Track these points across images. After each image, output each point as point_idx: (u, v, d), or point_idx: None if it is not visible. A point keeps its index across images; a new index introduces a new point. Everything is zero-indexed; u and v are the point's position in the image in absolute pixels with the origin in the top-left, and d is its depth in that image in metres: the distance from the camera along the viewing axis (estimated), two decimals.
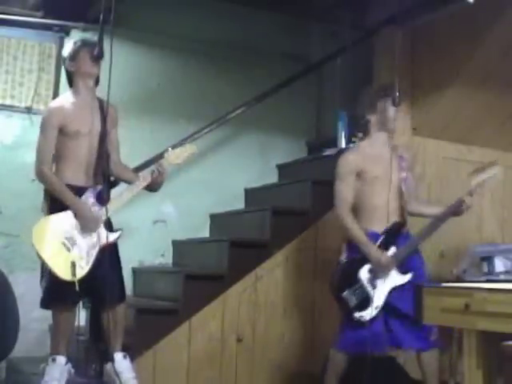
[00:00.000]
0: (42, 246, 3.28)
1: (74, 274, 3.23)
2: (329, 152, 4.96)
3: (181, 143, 3.69)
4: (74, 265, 3.25)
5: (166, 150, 3.61)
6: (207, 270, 4.46)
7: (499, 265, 4.19)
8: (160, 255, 5.03)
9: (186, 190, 5.00)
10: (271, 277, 4.37)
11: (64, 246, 3.31)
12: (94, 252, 3.35)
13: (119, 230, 3.43)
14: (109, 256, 3.38)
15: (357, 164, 3.62)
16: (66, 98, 3.55)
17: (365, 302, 3.50)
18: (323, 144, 5.20)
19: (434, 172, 4.72)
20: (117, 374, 3.44)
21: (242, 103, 5.02)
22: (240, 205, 5.25)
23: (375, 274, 3.53)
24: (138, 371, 3.61)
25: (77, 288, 3.22)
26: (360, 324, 3.51)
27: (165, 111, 5.04)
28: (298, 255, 4.45)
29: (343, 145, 4.92)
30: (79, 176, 3.45)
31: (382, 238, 3.57)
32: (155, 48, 5.09)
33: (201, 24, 5.15)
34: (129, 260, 4.35)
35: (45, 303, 3.43)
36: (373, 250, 3.52)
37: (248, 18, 5.26)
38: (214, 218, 5.16)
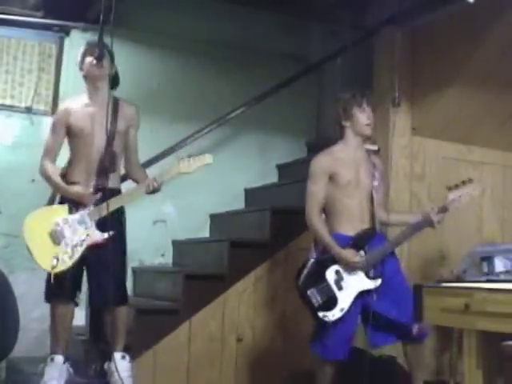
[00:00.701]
0: (29, 234, 3.40)
1: (53, 267, 3.32)
2: None
3: (195, 154, 3.67)
4: (56, 258, 3.33)
5: (181, 159, 3.58)
6: (207, 270, 4.46)
7: (499, 265, 4.19)
8: (160, 255, 5.04)
9: (186, 190, 4.99)
10: (271, 277, 4.37)
11: (51, 238, 3.39)
12: (80, 249, 3.38)
13: (111, 232, 3.42)
14: (110, 256, 3.39)
15: (329, 166, 3.63)
16: (78, 99, 3.65)
17: (330, 302, 3.51)
18: (323, 144, 5.18)
19: (434, 172, 4.72)
20: (114, 373, 3.45)
21: (241, 103, 5.03)
22: (240, 205, 5.25)
23: (342, 276, 3.54)
24: (138, 371, 3.62)
25: (51, 280, 3.31)
26: (326, 326, 3.52)
27: (165, 111, 5.04)
28: (298, 255, 4.44)
29: None
30: (86, 175, 3.49)
31: (350, 242, 3.57)
32: (155, 48, 5.09)
33: (201, 24, 5.15)
34: (129, 260, 4.34)
35: (45, 296, 3.50)
36: (337, 249, 3.53)
37: (248, 18, 5.26)
38: (214, 218, 5.16)
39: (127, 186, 3.71)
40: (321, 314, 3.50)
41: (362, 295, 3.55)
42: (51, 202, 3.86)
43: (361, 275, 3.55)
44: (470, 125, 4.68)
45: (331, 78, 5.21)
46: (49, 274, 3.38)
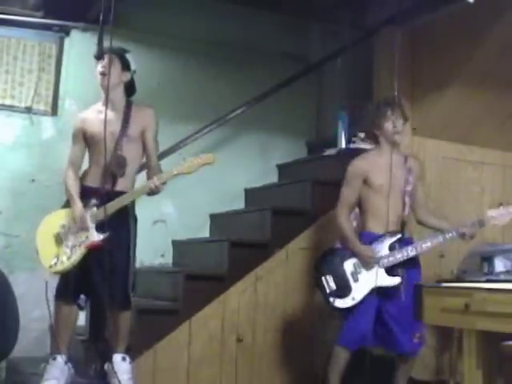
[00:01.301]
0: (40, 233, 3.52)
1: (50, 266, 3.41)
2: (329, 152, 4.96)
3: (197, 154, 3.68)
4: (57, 257, 3.42)
5: (184, 160, 3.58)
6: (207, 270, 4.46)
7: (499, 265, 4.19)
8: (160, 255, 5.03)
9: (186, 190, 4.99)
10: (271, 277, 4.37)
11: (55, 238, 3.47)
12: (79, 251, 3.41)
13: (106, 233, 3.42)
14: (116, 259, 3.43)
15: (363, 170, 3.80)
16: (95, 106, 3.65)
17: (343, 291, 3.68)
18: (323, 144, 5.20)
19: (434, 172, 4.71)
20: (114, 374, 3.45)
21: (242, 103, 5.03)
22: (240, 205, 5.25)
23: (360, 270, 3.70)
24: (137, 371, 3.62)
25: (46, 279, 3.37)
26: (357, 320, 3.66)
27: (165, 111, 5.02)
28: (298, 255, 4.45)
29: (343, 145, 4.92)
30: (99, 179, 3.53)
31: (376, 240, 3.71)
32: (155, 48, 5.09)
33: (201, 24, 5.15)
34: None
35: (54, 295, 3.54)
36: (358, 244, 3.71)
37: (248, 18, 5.26)
38: (214, 218, 5.16)
39: None
40: (331, 299, 3.69)
41: (380, 295, 3.66)
42: (67, 204, 3.83)
43: (380, 271, 3.67)
44: (469, 125, 4.68)
45: (331, 78, 5.22)
46: (62, 274, 3.46)
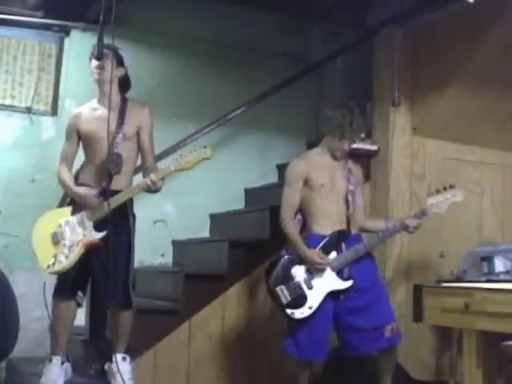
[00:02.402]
0: (36, 234, 3.50)
1: (48, 266, 3.39)
2: None
3: (192, 145, 3.66)
4: (55, 257, 3.40)
5: (181, 156, 3.53)
6: (207, 270, 4.46)
7: (499, 265, 4.18)
8: (160, 255, 5.03)
9: (186, 190, 5.00)
10: None
11: (52, 238, 3.44)
12: (77, 249, 3.39)
13: (104, 232, 3.41)
14: (116, 259, 3.41)
15: (304, 170, 3.73)
16: (89, 103, 3.64)
17: (299, 300, 3.57)
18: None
19: (434, 172, 4.71)
20: (114, 374, 3.45)
21: (242, 103, 5.03)
22: (240, 205, 5.25)
23: (313, 275, 3.60)
24: (137, 371, 3.62)
25: (44, 279, 3.40)
26: (299, 325, 3.58)
27: (165, 111, 5.03)
28: None
29: None
30: (95, 178, 3.51)
31: (324, 242, 3.64)
32: (155, 48, 5.09)
33: (201, 24, 5.15)
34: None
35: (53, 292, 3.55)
36: (305, 249, 3.61)
37: (248, 18, 5.26)
38: (214, 218, 5.16)
39: None
40: (289, 311, 3.57)
41: (334, 296, 3.59)
42: (62, 202, 3.86)
43: (333, 275, 3.59)
44: (469, 125, 4.68)
45: (331, 78, 5.21)
46: (60, 273, 3.44)
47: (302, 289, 3.58)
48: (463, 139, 4.79)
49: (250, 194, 5.30)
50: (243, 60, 5.32)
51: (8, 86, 4.75)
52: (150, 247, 4.98)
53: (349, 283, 3.57)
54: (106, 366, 3.56)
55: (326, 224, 3.67)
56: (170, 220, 5.08)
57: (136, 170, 3.71)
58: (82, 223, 3.44)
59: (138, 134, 3.58)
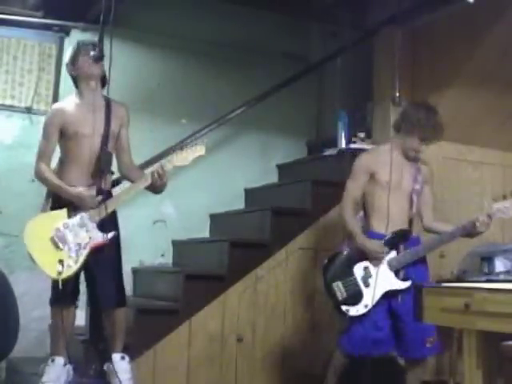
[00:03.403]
0: (31, 242, 3.30)
1: (59, 273, 3.24)
2: (329, 152, 4.96)
3: (190, 144, 3.63)
4: (61, 263, 3.25)
5: (174, 151, 3.54)
6: (207, 270, 4.46)
7: (499, 265, 4.18)
8: (160, 255, 5.03)
9: (186, 190, 4.99)
10: (271, 277, 4.37)
11: (53, 243, 3.30)
12: (85, 252, 3.33)
13: (113, 232, 3.40)
14: (107, 258, 3.38)
15: (370, 165, 3.67)
16: (70, 100, 3.56)
17: (355, 297, 3.54)
18: (323, 144, 5.20)
19: (434, 172, 4.71)
20: (114, 374, 3.44)
21: (242, 103, 5.03)
22: (240, 205, 5.25)
23: (370, 274, 3.56)
24: (137, 371, 3.61)
25: (60, 286, 3.22)
26: (366, 327, 3.54)
27: (165, 111, 5.04)
28: (298, 255, 4.45)
29: (343, 145, 4.91)
30: (81, 177, 3.44)
31: (385, 239, 3.57)
32: (155, 48, 5.09)
33: (201, 24, 5.15)
34: (129, 260, 4.35)
35: (50, 301, 3.47)
36: (365, 239, 3.56)
37: (248, 18, 5.26)
38: (214, 218, 5.16)
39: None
40: (344, 308, 3.54)
41: (390, 296, 3.55)
42: (46, 203, 3.75)
43: (390, 275, 3.55)
44: (469, 125, 4.68)
45: (331, 78, 5.21)
46: (54, 280, 3.31)
47: (358, 285, 3.54)
48: (463, 139, 4.79)
49: (250, 194, 5.30)
50: (243, 60, 5.33)
51: (8, 86, 4.75)
52: (150, 247, 4.98)
53: (407, 284, 3.51)
54: (105, 367, 3.55)
55: (386, 223, 3.56)
56: (169, 220, 5.08)
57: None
58: (83, 225, 3.35)
59: (118, 132, 3.55)
